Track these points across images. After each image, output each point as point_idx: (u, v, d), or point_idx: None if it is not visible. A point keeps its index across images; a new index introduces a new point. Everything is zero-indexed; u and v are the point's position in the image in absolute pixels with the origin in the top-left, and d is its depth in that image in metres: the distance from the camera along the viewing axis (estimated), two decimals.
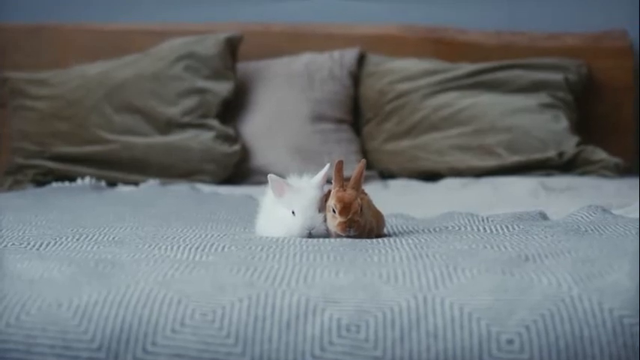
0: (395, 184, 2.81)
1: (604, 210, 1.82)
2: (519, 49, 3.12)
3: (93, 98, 2.91)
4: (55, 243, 1.53)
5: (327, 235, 1.56)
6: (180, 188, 2.58)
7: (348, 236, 1.53)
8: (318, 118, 2.96)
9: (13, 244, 1.53)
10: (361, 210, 1.53)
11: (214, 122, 2.89)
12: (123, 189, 2.66)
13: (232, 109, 2.98)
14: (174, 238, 1.57)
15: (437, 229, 1.67)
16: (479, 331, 1.13)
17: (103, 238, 1.59)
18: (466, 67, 3.01)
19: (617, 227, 1.63)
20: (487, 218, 1.76)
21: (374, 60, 3.09)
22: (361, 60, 3.09)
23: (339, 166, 1.54)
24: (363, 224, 1.54)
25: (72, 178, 2.73)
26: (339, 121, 3.00)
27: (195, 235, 1.60)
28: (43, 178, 2.85)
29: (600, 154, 2.84)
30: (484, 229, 1.66)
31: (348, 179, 1.56)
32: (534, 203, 2.22)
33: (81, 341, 1.15)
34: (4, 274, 1.28)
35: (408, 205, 2.15)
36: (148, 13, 3.26)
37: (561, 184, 2.59)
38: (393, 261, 1.33)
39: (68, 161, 2.88)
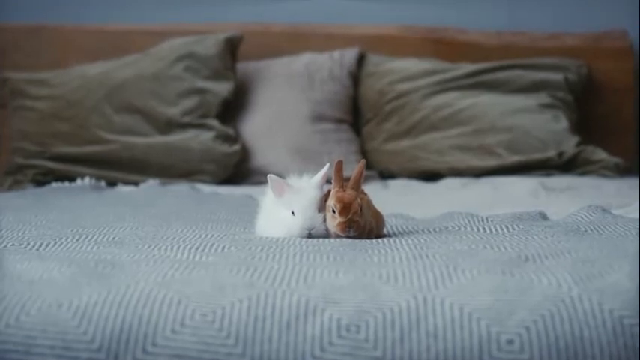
0: (395, 184, 2.81)
1: (604, 210, 1.82)
2: (519, 49, 3.12)
3: (93, 98, 2.91)
4: (55, 243, 1.53)
5: (326, 235, 1.56)
6: (180, 188, 2.58)
7: (348, 236, 1.53)
8: (318, 118, 2.96)
9: (13, 244, 1.53)
10: (361, 210, 1.53)
11: (214, 122, 2.89)
12: (123, 189, 2.65)
13: (232, 109, 2.98)
14: (174, 238, 1.57)
15: (437, 230, 1.67)
16: (479, 331, 1.13)
17: (103, 238, 1.59)
18: (466, 67, 3.01)
19: (617, 227, 1.63)
20: (487, 218, 1.76)
21: (374, 60, 3.09)
22: (361, 60, 3.09)
23: (339, 167, 1.54)
24: (362, 224, 1.54)
25: (72, 179, 2.73)
26: (339, 121, 3.00)
27: (195, 236, 1.60)
28: (43, 179, 2.85)
29: (600, 155, 2.84)
30: (484, 229, 1.66)
31: (347, 179, 1.56)
32: (534, 203, 2.22)
33: (81, 342, 1.15)
34: (3, 274, 1.28)
35: (408, 206, 2.15)
36: (148, 13, 3.26)
37: (561, 184, 2.59)
38: (393, 261, 1.33)
39: (68, 161, 2.88)
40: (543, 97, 2.94)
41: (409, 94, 2.98)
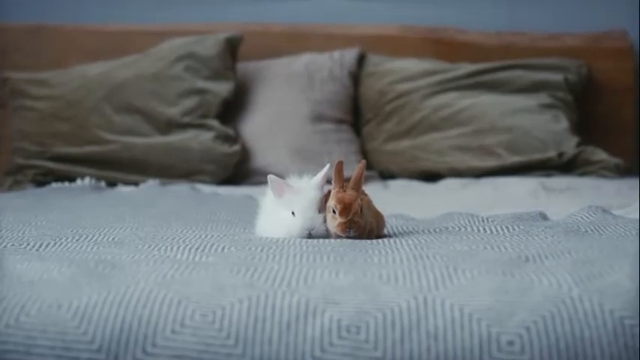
0: (395, 184, 2.81)
1: (604, 210, 1.82)
2: (519, 49, 3.11)
3: (93, 98, 2.91)
4: (55, 244, 1.53)
5: (327, 235, 1.56)
6: (180, 188, 2.58)
7: (348, 237, 1.53)
8: (318, 118, 2.96)
9: (13, 244, 1.53)
10: (361, 211, 1.53)
11: (214, 122, 2.89)
12: (123, 189, 2.65)
13: (232, 109, 2.98)
14: (174, 238, 1.57)
15: (437, 230, 1.67)
16: (479, 332, 1.13)
17: (103, 238, 1.59)
18: (466, 68, 3.00)
19: (617, 228, 1.63)
20: (487, 219, 1.76)
21: (374, 60, 3.08)
22: (361, 60, 3.09)
23: (339, 167, 1.54)
24: (363, 225, 1.54)
25: (72, 179, 2.73)
26: (339, 122, 3.00)
27: (195, 236, 1.60)
28: (43, 179, 2.85)
29: (600, 155, 2.84)
30: (484, 229, 1.66)
31: (347, 180, 1.56)
32: (534, 204, 2.22)
33: (80, 342, 1.14)
34: (3, 275, 1.28)
35: (408, 206, 2.15)
36: (148, 13, 3.26)
37: (561, 184, 2.59)
38: (393, 262, 1.33)
39: (68, 161, 2.88)
40: (543, 98, 2.94)
41: (409, 94, 2.98)
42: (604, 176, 2.79)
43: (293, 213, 1.57)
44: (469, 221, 1.74)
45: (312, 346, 1.13)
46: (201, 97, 2.91)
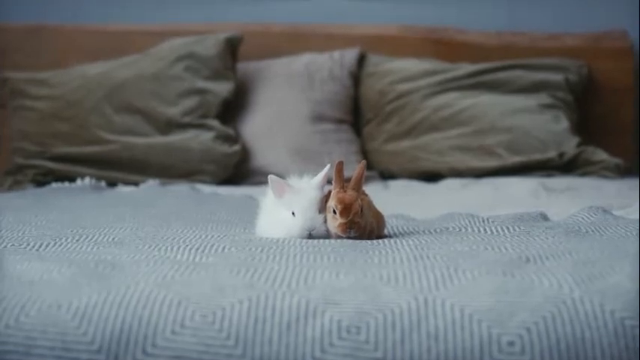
0: (395, 184, 2.80)
1: (605, 211, 1.82)
2: (519, 49, 3.11)
3: (93, 98, 2.91)
4: (55, 244, 1.53)
5: (327, 236, 1.56)
6: (180, 188, 2.58)
7: (349, 237, 1.53)
8: (318, 118, 2.96)
9: (13, 244, 1.53)
10: (362, 211, 1.53)
11: (214, 122, 2.89)
12: (123, 189, 2.65)
13: (232, 109, 2.98)
14: (174, 238, 1.57)
15: (437, 230, 1.67)
16: (480, 332, 1.13)
17: (103, 238, 1.59)
18: (466, 68, 3.00)
19: (618, 228, 1.63)
20: (488, 219, 1.75)
21: (374, 60, 3.08)
22: (361, 60, 3.08)
23: (339, 167, 1.54)
24: (363, 225, 1.54)
25: (72, 179, 2.73)
26: (339, 122, 3.00)
27: (195, 236, 1.60)
28: (43, 179, 2.85)
29: (601, 155, 2.84)
30: (485, 230, 1.65)
31: (348, 180, 1.56)
32: (535, 204, 2.21)
33: (80, 343, 1.14)
34: (3, 275, 1.28)
35: (409, 206, 2.15)
36: (148, 13, 3.26)
37: (562, 184, 2.59)
38: (394, 262, 1.33)
39: (68, 161, 2.88)
40: (543, 98, 2.94)
41: (409, 94, 2.98)
42: (604, 176, 2.79)
43: (293, 213, 1.57)
44: (469, 222, 1.74)
45: (312, 346, 1.13)
46: (202, 97, 2.91)
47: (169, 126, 2.89)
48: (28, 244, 1.52)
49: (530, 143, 2.85)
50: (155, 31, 3.14)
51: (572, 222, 1.75)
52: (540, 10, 3.24)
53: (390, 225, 1.73)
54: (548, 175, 2.78)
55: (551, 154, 2.82)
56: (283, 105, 2.98)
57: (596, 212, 1.80)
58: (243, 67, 3.04)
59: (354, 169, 1.61)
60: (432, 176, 2.88)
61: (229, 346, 1.13)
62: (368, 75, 3.05)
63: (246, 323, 1.15)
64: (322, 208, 1.57)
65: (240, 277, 1.23)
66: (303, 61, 3.05)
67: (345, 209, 1.51)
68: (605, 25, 3.16)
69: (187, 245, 1.48)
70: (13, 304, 1.19)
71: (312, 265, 1.31)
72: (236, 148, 2.87)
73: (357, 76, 3.06)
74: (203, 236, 1.60)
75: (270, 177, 1.58)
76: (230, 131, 2.90)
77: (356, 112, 3.06)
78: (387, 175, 2.94)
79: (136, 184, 2.75)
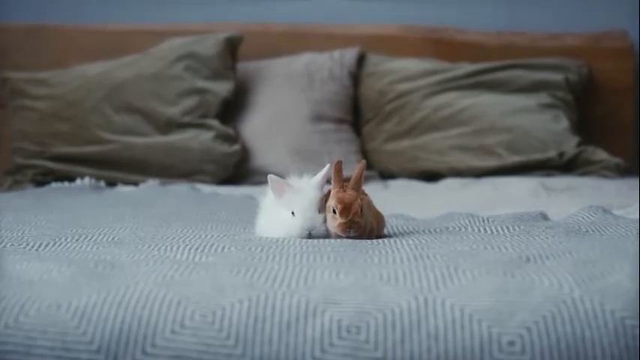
0: (395, 184, 2.80)
1: (605, 210, 1.81)
2: (519, 49, 3.11)
3: (93, 98, 2.91)
4: (55, 244, 1.53)
5: (327, 235, 1.56)
6: (180, 188, 2.58)
7: (349, 237, 1.52)
8: (318, 118, 2.96)
9: (12, 244, 1.53)
10: (361, 211, 1.53)
11: (214, 122, 2.89)
12: (123, 189, 2.65)
13: (232, 109, 2.98)
14: (174, 238, 1.57)
15: (437, 230, 1.67)
16: (480, 332, 1.13)
17: (103, 238, 1.59)
18: (466, 67, 3.00)
19: (618, 228, 1.63)
20: (488, 219, 1.75)
21: (374, 60, 3.08)
22: (361, 60, 3.08)
23: (338, 167, 1.54)
24: (363, 225, 1.54)
25: (72, 179, 2.73)
26: (339, 121, 2.99)
27: (195, 236, 1.60)
28: (42, 178, 2.85)
29: (601, 155, 2.83)
30: (485, 229, 1.65)
31: (347, 179, 1.56)
32: (535, 203, 2.21)
33: (80, 343, 1.14)
34: (2, 275, 1.28)
35: (409, 206, 2.15)
36: (148, 13, 3.26)
37: (561, 184, 2.59)
38: (394, 262, 1.33)
39: (68, 161, 2.88)
40: (543, 97, 2.94)
41: (409, 94, 2.98)
42: (604, 176, 2.78)
43: (293, 213, 1.56)
44: (469, 221, 1.74)
45: (312, 346, 1.13)
46: (201, 97, 2.91)
47: (169, 126, 2.89)
48: (28, 244, 1.52)
49: (530, 143, 2.85)
50: (155, 31, 3.13)
51: (572, 221, 1.75)
52: (540, 10, 3.24)
53: (390, 225, 1.73)
54: (548, 175, 2.78)
55: (551, 153, 2.82)
56: (283, 105, 2.98)
57: (596, 212, 1.80)
58: (243, 67, 3.04)
59: (353, 168, 1.61)
60: (431, 176, 2.88)
61: (229, 346, 1.13)
62: (368, 75, 3.05)
63: (246, 323, 1.15)
64: (322, 207, 1.57)
65: (240, 277, 1.23)
66: (303, 61, 3.05)
67: (345, 209, 1.51)
68: (605, 25, 3.16)
69: (187, 245, 1.48)
70: (12, 303, 1.18)
71: (312, 264, 1.31)
72: (236, 147, 2.87)
73: (356, 76, 3.05)
74: (203, 236, 1.60)
75: (270, 176, 1.58)
76: (230, 131, 2.90)
77: (356, 112, 3.06)
78: (386, 175, 2.94)
79: (135, 184, 2.75)
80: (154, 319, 1.15)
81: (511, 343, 1.12)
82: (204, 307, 1.16)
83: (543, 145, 2.84)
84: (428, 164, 2.91)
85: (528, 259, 1.33)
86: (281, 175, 1.61)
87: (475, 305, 1.15)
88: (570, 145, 2.84)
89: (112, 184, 2.75)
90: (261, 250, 1.43)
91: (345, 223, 1.51)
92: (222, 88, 2.93)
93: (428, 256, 1.36)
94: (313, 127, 2.94)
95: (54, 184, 2.65)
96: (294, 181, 1.60)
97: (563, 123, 2.90)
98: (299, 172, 1.63)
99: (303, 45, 3.12)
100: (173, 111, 2.89)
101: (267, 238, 1.58)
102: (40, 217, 1.86)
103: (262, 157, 2.90)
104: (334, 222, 1.53)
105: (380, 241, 1.54)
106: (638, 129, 3.13)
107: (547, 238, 1.53)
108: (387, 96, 3.00)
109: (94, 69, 2.98)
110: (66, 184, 2.65)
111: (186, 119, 2.89)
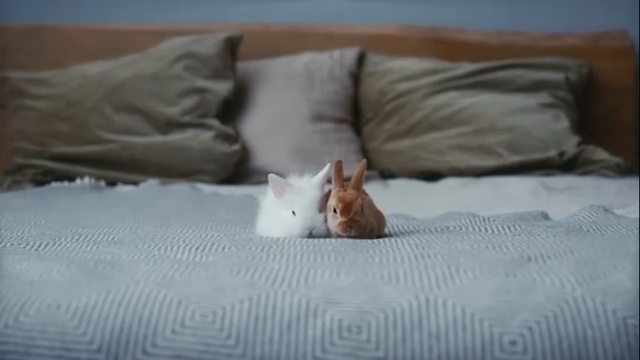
0: (395, 184, 2.80)
1: (606, 210, 1.81)
2: (520, 48, 3.11)
3: (93, 98, 2.91)
4: (55, 243, 1.53)
5: (327, 235, 1.56)
6: (180, 188, 2.57)
7: (349, 236, 1.52)
8: (318, 118, 2.96)
9: (12, 244, 1.53)
10: (362, 210, 1.53)
11: (214, 122, 2.89)
12: (122, 189, 2.65)
13: (232, 109, 2.98)
14: (174, 238, 1.56)
15: (438, 230, 1.67)
16: (481, 332, 1.13)
17: (103, 238, 1.59)
18: (466, 67, 3.00)
19: (619, 227, 1.63)
20: (488, 218, 1.75)
21: (374, 60, 3.08)
22: (361, 60, 3.08)
23: (339, 166, 1.54)
24: (363, 224, 1.54)
25: (72, 178, 2.73)
26: (339, 121, 2.99)
27: (195, 236, 1.60)
28: (42, 178, 2.84)
29: (601, 154, 2.83)
30: (485, 229, 1.65)
31: (347, 179, 1.55)
32: (535, 203, 2.21)
33: (80, 343, 1.14)
34: (2, 275, 1.28)
35: (409, 205, 2.15)
36: (148, 13, 3.26)
37: (562, 184, 2.59)
38: (395, 261, 1.33)
39: (68, 161, 2.87)
40: (544, 97, 2.94)
41: (409, 93, 2.98)
42: (605, 176, 2.78)
43: (293, 212, 1.56)
44: (470, 221, 1.73)
45: (313, 346, 1.13)
46: (201, 97, 2.91)
47: (169, 125, 2.89)
48: (28, 244, 1.52)
49: (531, 142, 2.85)
50: (155, 31, 3.13)
51: (573, 221, 1.75)
52: (540, 10, 3.24)
53: (391, 224, 1.73)
54: (549, 175, 2.78)
55: (552, 153, 2.82)
56: (283, 105, 2.97)
57: (597, 211, 1.79)
58: (243, 66, 3.04)
59: (354, 168, 1.60)
60: (432, 175, 2.88)
61: (229, 346, 1.13)
62: (368, 74, 3.05)
63: (246, 323, 1.15)
64: (322, 207, 1.56)
65: (240, 277, 1.23)
66: (303, 60, 3.05)
67: (346, 208, 1.51)
68: (605, 25, 3.16)
69: (187, 245, 1.48)
70: (12, 303, 1.18)
71: (313, 264, 1.31)
72: (236, 147, 2.87)
73: (356, 76, 3.05)
74: (203, 236, 1.60)
75: (271, 176, 1.58)
76: (230, 131, 2.90)
77: (356, 112, 3.06)
78: (387, 175, 2.94)
79: (135, 183, 2.75)
80: (155, 319, 1.15)
81: (513, 343, 1.12)
82: (205, 307, 1.16)
83: (543, 144, 2.84)
84: (428, 164, 2.91)
85: (530, 259, 1.33)
86: (281, 175, 1.61)
87: (476, 305, 1.15)
88: (570, 144, 2.84)
89: (111, 183, 2.75)
90: (262, 250, 1.42)
91: (345, 223, 1.51)
92: (222, 87, 2.93)
93: (429, 256, 1.36)
94: (313, 126, 2.94)
95: (54, 184, 2.65)
96: (294, 180, 1.60)
97: (564, 123, 2.89)
98: (299, 171, 1.63)
99: (303, 45, 3.12)
100: (173, 111, 2.89)
101: (267, 237, 1.58)
102: (40, 216, 1.86)
103: (262, 157, 2.90)
104: (335, 221, 1.52)
105: (380, 240, 1.53)
106: (638, 129, 3.13)
107: (548, 237, 1.53)
108: (387, 96, 3.00)
109: (93, 69, 2.98)
110: (66, 183, 2.65)
111: (186, 119, 2.89)
